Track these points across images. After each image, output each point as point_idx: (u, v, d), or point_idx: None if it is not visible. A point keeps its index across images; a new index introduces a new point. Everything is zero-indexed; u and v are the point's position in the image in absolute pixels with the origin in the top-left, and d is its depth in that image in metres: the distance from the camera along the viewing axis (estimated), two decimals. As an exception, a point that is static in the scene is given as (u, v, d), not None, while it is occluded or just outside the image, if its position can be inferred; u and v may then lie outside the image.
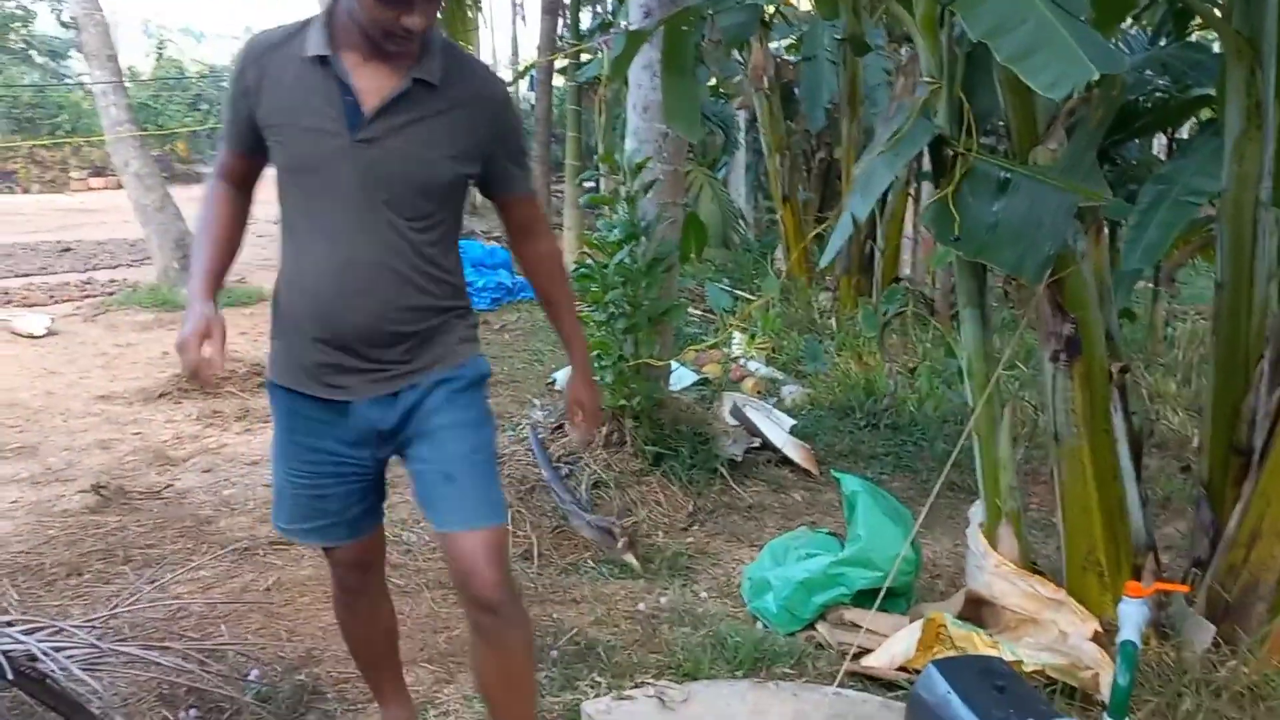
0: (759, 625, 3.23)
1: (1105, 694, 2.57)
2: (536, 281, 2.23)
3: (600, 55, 9.72)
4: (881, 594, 2.91)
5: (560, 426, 4.55)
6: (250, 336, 7.47)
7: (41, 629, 2.43)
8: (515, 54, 20.27)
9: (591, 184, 12.15)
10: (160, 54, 27.18)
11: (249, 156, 2.05)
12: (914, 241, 7.98)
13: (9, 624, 2.40)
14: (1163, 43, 4.37)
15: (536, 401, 5.45)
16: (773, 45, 8.99)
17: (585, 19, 12.61)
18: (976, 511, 3.18)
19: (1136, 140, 5.13)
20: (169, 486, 4.44)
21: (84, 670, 2.34)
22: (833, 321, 7.42)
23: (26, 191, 20.56)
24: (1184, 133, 6.24)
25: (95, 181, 21.06)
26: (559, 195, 11.61)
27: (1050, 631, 2.86)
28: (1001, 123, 2.97)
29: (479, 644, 2.11)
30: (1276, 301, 2.90)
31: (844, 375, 5.97)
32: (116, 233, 13.21)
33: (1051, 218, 2.55)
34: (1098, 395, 2.88)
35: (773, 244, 10.15)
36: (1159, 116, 4.41)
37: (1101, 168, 2.86)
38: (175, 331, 1.94)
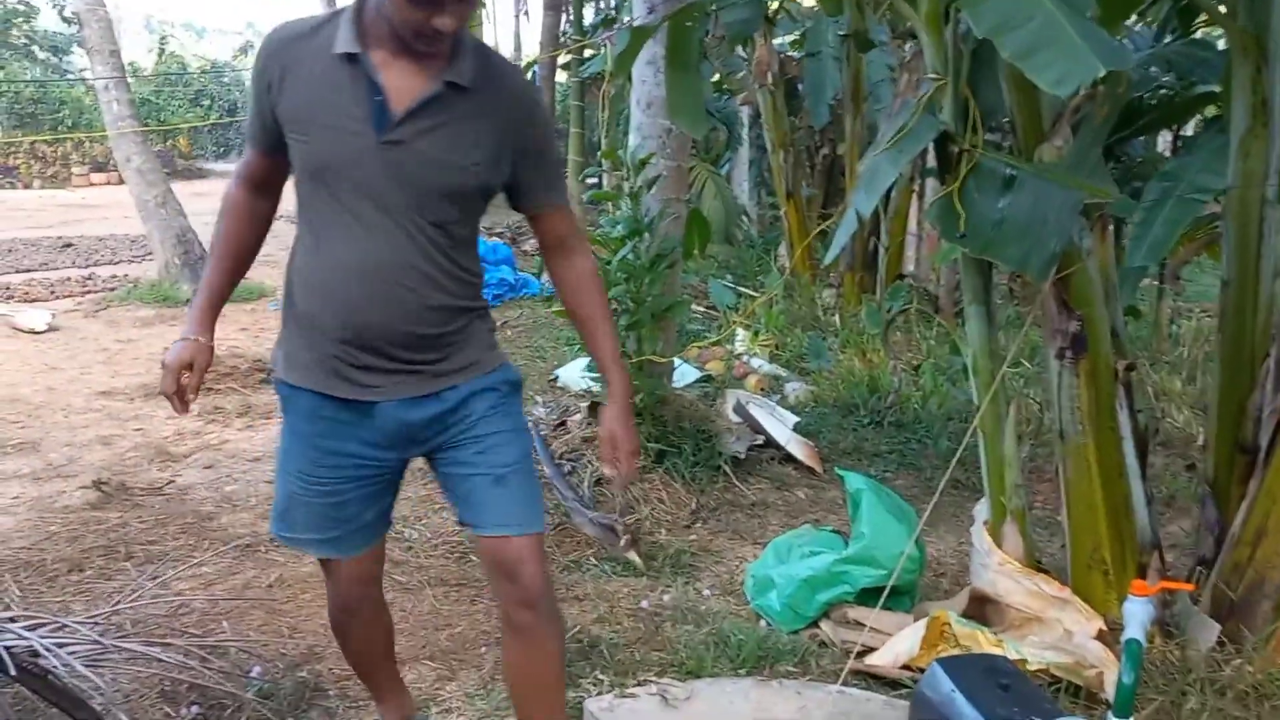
0: (762, 623, 3.23)
1: (1110, 692, 2.56)
2: (571, 300, 2.12)
3: (603, 51, 9.71)
4: (886, 592, 2.90)
5: (563, 423, 4.55)
6: (251, 333, 7.47)
7: (43, 625, 2.42)
8: (518, 49, 20.27)
9: (595, 180, 12.14)
10: (162, 49, 27.19)
11: (271, 156, 2.00)
12: (918, 238, 7.96)
13: (11, 620, 2.39)
14: (1167, 40, 4.35)
15: (539, 399, 5.44)
16: (776, 41, 8.98)
17: (588, 14, 12.61)
18: (981, 509, 3.18)
19: (1141, 137, 5.11)
20: (170, 483, 4.44)
21: (86, 666, 2.33)
22: (836, 318, 7.42)
23: (28, 187, 20.55)
24: (1188, 130, 6.23)
25: (97, 177, 21.05)
26: (561, 191, 11.57)
27: (1055, 630, 2.85)
28: (1007, 119, 2.96)
29: (514, 641, 2.10)
30: (1283, 299, 2.89)
31: (848, 372, 5.96)
32: (118, 228, 13.21)
33: (1057, 214, 2.54)
34: (1103, 393, 2.87)
35: (776, 240, 10.13)
36: (1164, 114, 4.39)
37: (1106, 165, 2.85)
38: (176, 328, 1.94)
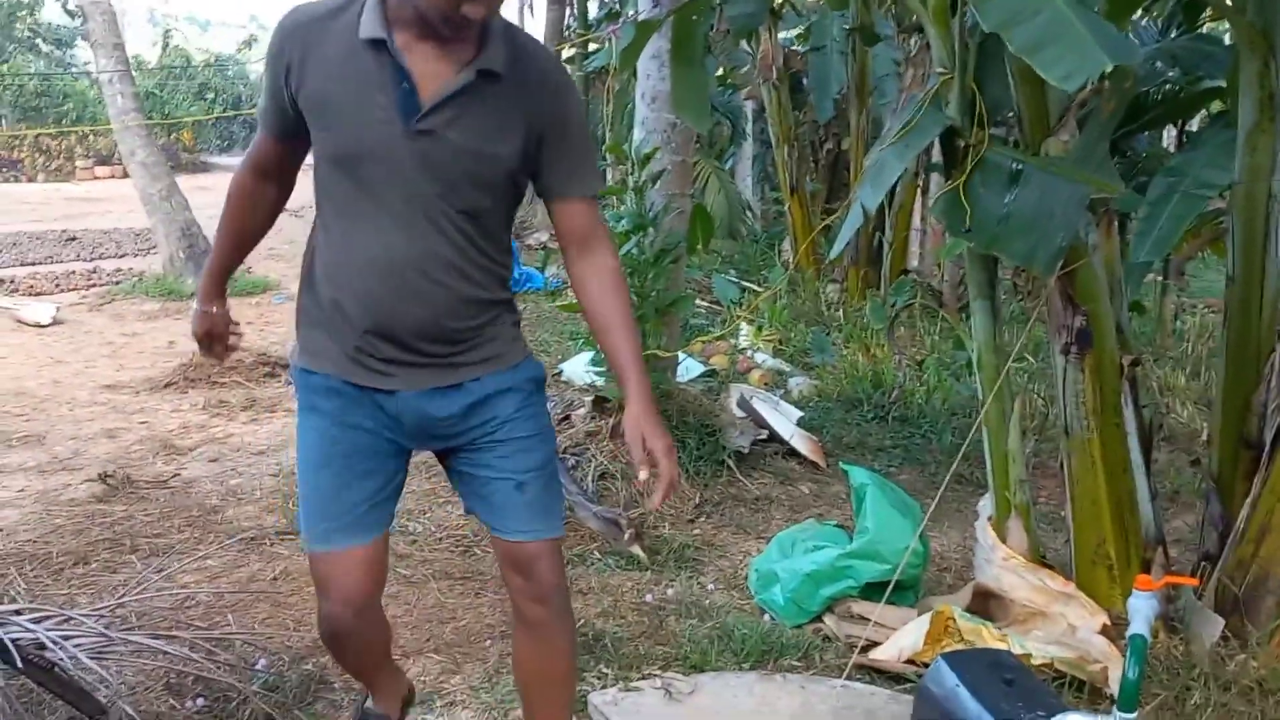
0: (766, 617, 3.23)
1: (1114, 687, 2.56)
2: (589, 301, 1.96)
3: (608, 45, 9.69)
4: (890, 587, 2.91)
5: (567, 417, 4.55)
6: (256, 326, 7.47)
7: (49, 618, 2.43)
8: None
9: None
10: (166, 43, 27.19)
11: (283, 141, 1.95)
12: (922, 233, 7.96)
13: (17, 612, 2.40)
14: (1173, 34, 4.34)
15: (543, 392, 5.44)
16: (781, 35, 8.96)
17: (593, 9, 12.57)
18: (985, 504, 3.18)
19: (1146, 132, 5.11)
20: (175, 476, 4.45)
21: (92, 659, 2.34)
22: (840, 313, 7.42)
23: (32, 180, 20.55)
24: (1193, 125, 6.22)
25: (101, 170, 21.05)
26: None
27: (1059, 625, 2.85)
28: (1013, 114, 2.95)
29: (526, 636, 2.09)
30: (1289, 295, 2.89)
31: (852, 367, 5.96)
32: (122, 222, 13.21)
33: (1063, 209, 2.54)
34: (1108, 388, 2.87)
35: (780, 235, 10.13)
36: (1169, 108, 4.39)
37: (1112, 160, 2.85)
38: (181, 321, 1.96)
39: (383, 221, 1.82)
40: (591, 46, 11.22)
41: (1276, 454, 2.80)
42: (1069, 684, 2.68)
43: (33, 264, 10.24)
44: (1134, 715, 1.96)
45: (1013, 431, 3.02)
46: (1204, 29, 4.36)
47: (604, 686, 2.76)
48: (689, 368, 5.61)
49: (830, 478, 4.54)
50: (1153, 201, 3.59)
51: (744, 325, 6.83)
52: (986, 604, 3.04)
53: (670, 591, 3.39)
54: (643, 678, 2.80)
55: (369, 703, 2.40)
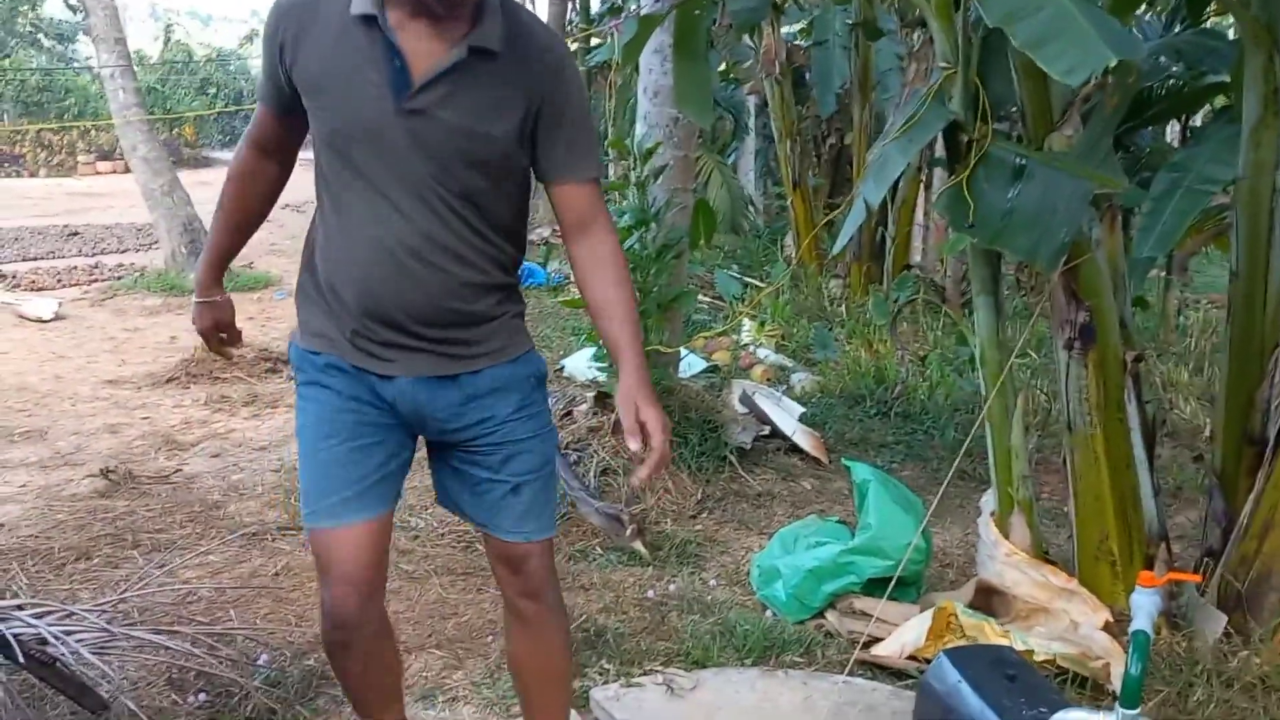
0: (768, 613, 3.23)
1: (1116, 684, 2.56)
2: (588, 285, 1.90)
3: (611, 40, 9.68)
4: (892, 583, 2.90)
5: (569, 413, 4.55)
6: (258, 322, 7.47)
7: (51, 613, 2.43)
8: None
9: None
10: (168, 38, 27.17)
11: (282, 116, 1.90)
12: (925, 229, 7.95)
13: (19, 608, 2.40)
14: (1177, 29, 4.32)
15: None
16: (784, 30, 8.94)
17: (595, 2, 12.56)
18: (988, 500, 3.17)
19: (1150, 128, 5.09)
20: (177, 471, 4.45)
21: (94, 654, 2.34)
22: (843, 309, 7.41)
23: (34, 175, 20.56)
24: (1197, 120, 6.20)
25: (103, 165, 21.04)
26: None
27: (1062, 621, 2.85)
28: (1016, 109, 2.94)
29: (519, 632, 2.08)
30: (1293, 290, 2.88)
31: (854, 363, 5.95)
32: (124, 217, 13.21)
33: (1067, 205, 2.54)
34: (1112, 383, 2.87)
35: (782, 230, 10.12)
36: (1173, 104, 4.37)
37: (1115, 155, 2.84)
38: (183, 316, 1.95)
39: (376, 203, 1.78)
40: (594, 41, 11.21)
41: (1280, 450, 2.79)
42: (1071, 680, 2.68)
43: (35, 259, 10.24)
44: (1136, 711, 1.96)
45: (1015, 427, 3.02)
46: (1208, 23, 4.35)
47: (606, 682, 2.76)
48: (691, 363, 5.61)
49: (832, 474, 4.54)
50: (1156, 197, 3.58)
51: (746, 321, 6.83)
52: (989, 600, 3.04)
53: (672, 587, 3.39)
54: (644, 673, 2.80)
55: None
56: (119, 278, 9.12)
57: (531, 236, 10.77)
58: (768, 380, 5.76)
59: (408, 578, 3.37)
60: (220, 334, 2.15)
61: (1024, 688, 2.20)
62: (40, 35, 26.76)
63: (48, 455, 4.64)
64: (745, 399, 4.93)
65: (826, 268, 8.28)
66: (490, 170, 1.81)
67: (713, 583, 3.45)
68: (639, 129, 4.46)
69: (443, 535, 3.71)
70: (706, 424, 4.45)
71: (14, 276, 9.05)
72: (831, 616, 3.13)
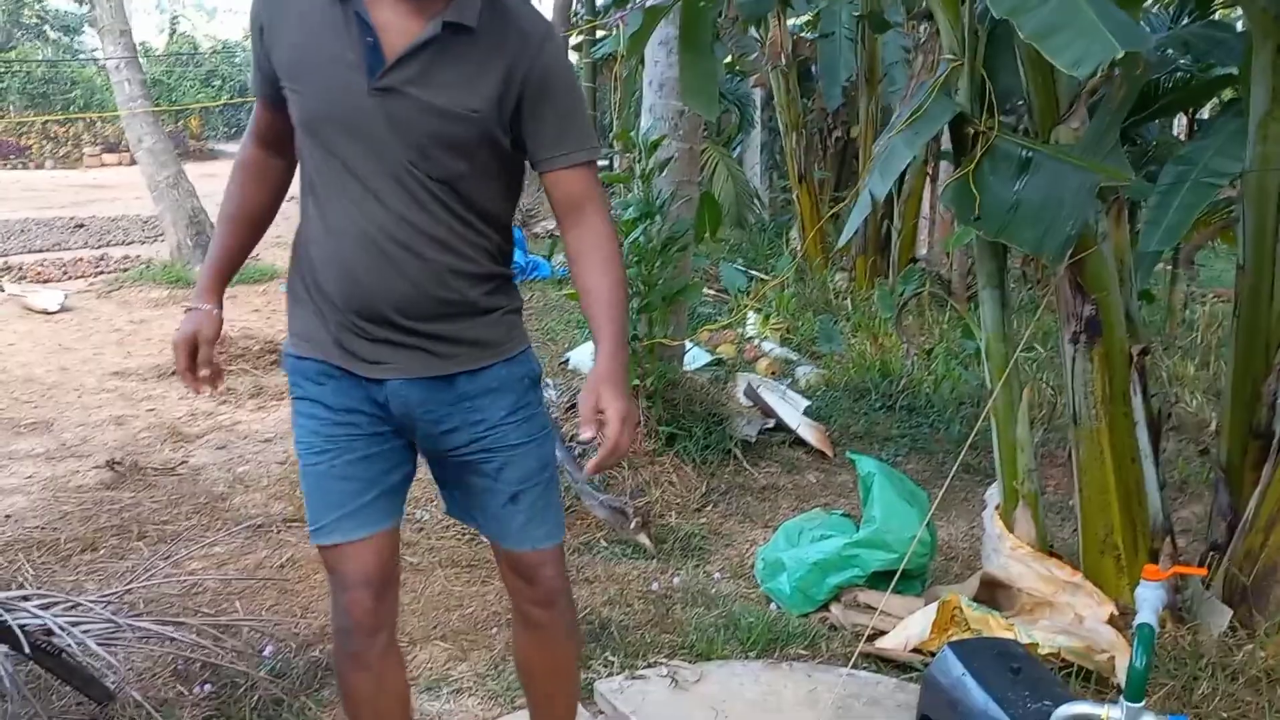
0: (772, 606, 3.23)
1: (1121, 677, 2.55)
2: (578, 271, 1.82)
3: (616, 31, 9.65)
4: (896, 576, 2.90)
5: (573, 406, 4.54)
6: (263, 314, 7.48)
7: (57, 604, 2.44)
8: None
9: (606, 162, 12.11)
10: (173, 29, 27.17)
11: (276, 108, 1.82)
12: (931, 222, 7.93)
13: (25, 599, 2.41)
14: (1185, 21, 4.30)
15: (550, 381, 5.44)
16: (790, 22, 8.93)
17: (600, -5, 12.53)
18: (993, 494, 3.17)
19: (1157, 120, 5.07)
20: (183, 463, 4.46)
21: (100, 645, 2.35)
22: (848, 302, 7.40)
23: (40, 167, 20.57)
24: (1204, 113, 6.18)
25: (109, 157, 21.04)
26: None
27: (1066, 614, 2.85)
28: (1022, 101, 2.94)
29: (528, 637, 2.04)
30: (1300, 284, 2.87)
31: (859, 356, 5.95)
32: (130, 209, 13.21)
33: (1073, 197, 2.53)
34: (1117, 377, 2.86)
35: (788, 224, 10.10)
36: (1180, 96, 4.35)
37: (1122, 147, 2.83)
38: (188, 309, 1.91)
39: (356, 190, 1.72)
40: (599, 33, 11.19)
41: (1286, 444, 2.79)
42: (1076, 673, 2.68)
43: (40, 251, 10.25)
44: (1141, 705, 1.95)
45: (1021, 421, 3.01)
46: (1216, 16, 4.33)
47: (610, 675, 2.76)
48: (696, 356, 5.61)
49: (837, 467, 4.53)
50: (1163, 190, 3.57)
51: (751, 314, 6.82)
52: (993, 593, 3.04)
53: (676, 580, 3.39)
54: (649, 666, 2.80)
55: None
56: (125, 270, 9.12)
57: (535, 229, 10.79)
58: (772, 373, 5.75)
59: (413, 570, 3.38)
60: (194, 350, 1.90)
61: (1028, 681, 2.20)
62: (46, 27, 26.77)
63: (54, 447, 4.65)
64: (750, 392, 4.92)
65: (832, 261, 8.26)
66: (470, 154, 1.73)
67: (717, 576, 3.46)
68: (644, 121, 4.46)
69: (447, 528, 3.72)
70: (711, 417, 4.45)
71: (20, 268, 9.06)
72: (836, 609, 3.13)
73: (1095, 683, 2.67)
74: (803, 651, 2.95)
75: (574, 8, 11.66)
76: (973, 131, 2.81)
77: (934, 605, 2.87)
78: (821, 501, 4.14)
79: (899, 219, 7.63)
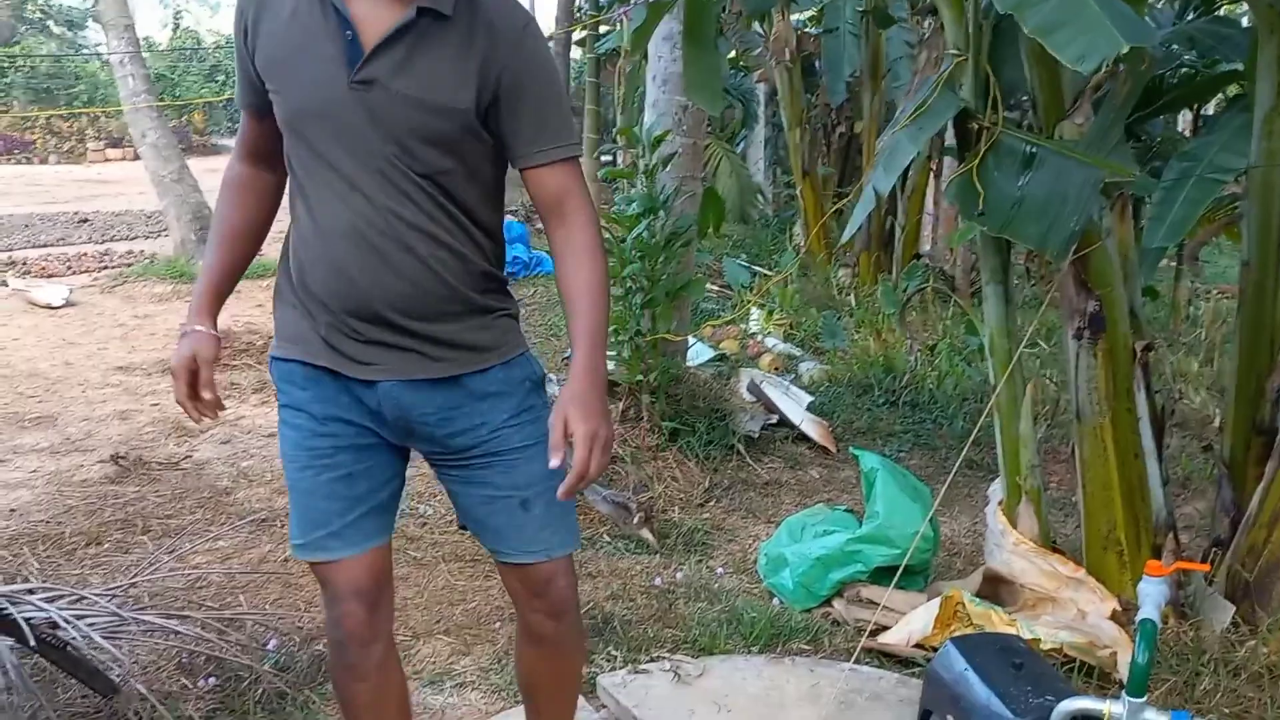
0: (775, 601, 3.23)
1: (1123, 672, 2.56)
2: (559, 273, 1.76)
3: (620, 27, 9.64)
4: (899, 571, 2.90)
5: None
6: (266, 309, 7.41)
7: (62, 597, 2.45)
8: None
9: (609, 158, 12.09)
10: (177, 24, 27.21)
11: (263, 117, 1.78)
12: (935, 218, 7.93)
13: (30, 592, 2.42)
14: (1190, 17, 4.30)
15: (553, 376, 5.45)
16: (794, 17, 8.91)
17: (603, -10, 12.51)
18: (996, 489, 3.17)
19: (1162, 116, 5.07)
20: (187, 457, 4.46)
21: (104, 638, 2.36)
22: (852, 298, 7.40)
23: (44, 162, 20.60)
24: (1209, 109, 6.17)
25: (112, 152, 21.06)
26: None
27: (1069, 610, 2.85)
28: (1027, 97, 2.93)
29: (532, 650, 1.97)
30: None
31: (863, 352, 5.95)
32: (134, 204, 13.23)
33: (1077, 193, 2.53)
34: (1121, 373, 2.86)
35: (791, 219, 10.10)
36: (1186, 92, 4.35)
37: (1126, 143, 2.83)
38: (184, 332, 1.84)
39: (342, 187, 1.68)
40: (603, 28, 11.17)
41: (1290, 440, 2.79)
42: (1078, 669, 2.68)
43: (45, 246, 10.27)
44: (1143, 700, 1.96)
45: (1024, 416, 3.01)
46: (1221, 11, 4.32)
47: (613, 669, 2.77)
48: (699, 352, 5.61)
49: (840, 463, 4.54)
50: (1168, 186, 3.57)
51: (755, 310, 6.82)
52: (996, 589, 3.04)
53: (679, 575, 3.39)
54: (651, 660, 2.81)
55: None
56: (129, 265, 9.13)
57: (539, 225, 10.80)
58: (776, 369, 5.75)
59: (416, 564, 3.38)
60: (193, 373, 1.83)
61: (1031, 676, 2.20)
62: (50, 22, 26.79)
63: (58, 441, 4.66)
64: (753, 388, 4.92)
65: (835, 256, 8.26)
66: (453, 149, 1.69)
67: (720, 571, 3.46)
68: (648, 116, 4.46)
69: (450, 523, 3.72)
70: (714, 413, 4.45)
71: (24, 263, 9.08)
72: (838, 605, 3.14)
73: (1097, 678, 2.67)
74: (805, 647, 2.95)
75: (577, 3, 11.65)
76: (977, 127, 2.81)
77: (936, 601, 2.87)
78: (824, 497, 4.14)
79: (903, 215, 7.62)
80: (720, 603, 3.19)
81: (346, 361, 1.75)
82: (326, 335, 1.75)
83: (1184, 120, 7.23)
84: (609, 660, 2.82)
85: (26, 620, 2.20)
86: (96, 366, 5.98)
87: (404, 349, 1.74)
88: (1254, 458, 2.94)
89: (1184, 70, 4.22)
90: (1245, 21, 4.13)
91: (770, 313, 6.92)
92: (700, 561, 3.53)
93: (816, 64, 8.81)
